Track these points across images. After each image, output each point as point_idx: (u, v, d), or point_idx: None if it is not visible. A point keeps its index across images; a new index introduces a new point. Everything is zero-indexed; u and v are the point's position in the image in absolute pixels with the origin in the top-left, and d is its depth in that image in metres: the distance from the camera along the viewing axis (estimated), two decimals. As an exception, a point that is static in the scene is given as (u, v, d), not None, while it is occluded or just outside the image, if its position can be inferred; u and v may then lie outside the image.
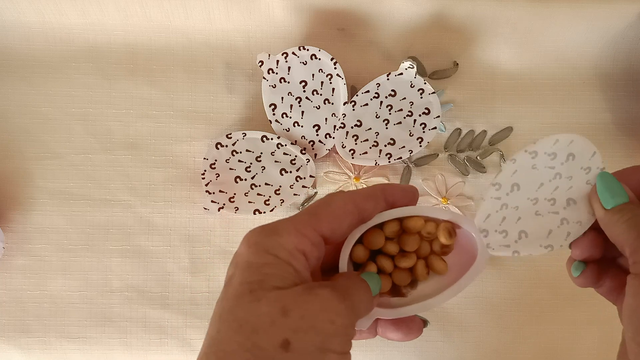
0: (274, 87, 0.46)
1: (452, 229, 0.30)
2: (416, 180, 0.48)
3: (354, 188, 0.47)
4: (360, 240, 0.30)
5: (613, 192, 0.29)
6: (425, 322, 0.31)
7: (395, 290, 0.31)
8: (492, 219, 0.30)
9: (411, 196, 0.30)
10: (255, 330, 0.23)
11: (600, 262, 0.31)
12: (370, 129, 0.46)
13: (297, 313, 0.24)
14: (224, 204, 0.45)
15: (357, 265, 0.30)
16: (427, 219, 0.30)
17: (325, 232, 0.27)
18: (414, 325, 0.30)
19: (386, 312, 0.29)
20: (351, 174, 0.47)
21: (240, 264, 0.26)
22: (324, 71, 0.46)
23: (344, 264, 0.29)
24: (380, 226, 0.30)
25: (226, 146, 0.46)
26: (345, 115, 0.46)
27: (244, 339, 0.23)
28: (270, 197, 0.45)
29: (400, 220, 0.30)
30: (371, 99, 0.46)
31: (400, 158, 0.45)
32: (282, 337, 0.23)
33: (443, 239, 0.30)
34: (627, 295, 0.27)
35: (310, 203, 0.47)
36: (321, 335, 0.24)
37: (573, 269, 0.32)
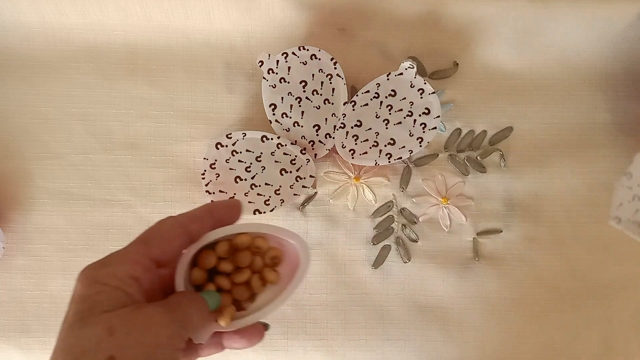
0: (274, 87, 0.46)
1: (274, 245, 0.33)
2: (416, 180, 0.48)
3: (354, 188, 0.47)
4: (196, 263, 0.32)
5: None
6: (266, 326, 0.33)
7: (238, 305, 0.33)
8: (624, 208, 0.30)
9: (235, 211, 0.32)
10: (83, 352, 0.25)
11: None
12: (370, 129, 0.46)
13: (123, 330, 0.25)
14: None
15: (198, 288, 0.32)
16: (255, 235, 0.33)
17: (157, 256, 0.29)
18: (255, 331, 0.32)
19: (235, 324, 0.31)
20: (351, 174, 0.47)
21: (74, 298, 0.27)
22: (324, 71, 0.46)
23: (179, 283, 0.30)
24: (213, 246, 0.32)
25: (226, 146, 0.46)
26: (345, 115, 0.46)
27: None
28: (270, 197, 0.45)
29: (230, 239, 0.32)
30: (371, 99, 0.46)
31: (400, 158, 0.45)
32: (108, 354, 0.24)
33: (261, 243, 0.33)
34: None
35: (308, 204, 0.47)
36: (146, 348, 0.25)
37: None
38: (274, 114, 0.46)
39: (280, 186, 0.45)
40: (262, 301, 0.33)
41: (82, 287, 0.27)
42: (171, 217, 0.30)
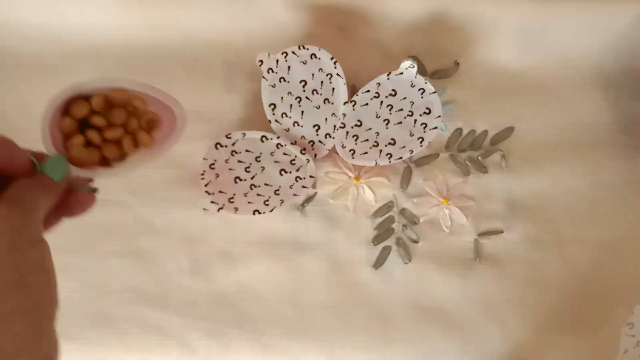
0: (273, 87, 0.46)
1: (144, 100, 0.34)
2: (417, 181, 0.47)
3: (354, 188, 0.47)
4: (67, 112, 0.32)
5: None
6: (95, 190, 0.33)
7: (107, 163, 0.34)
8: (630, 354, 0.32)
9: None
10: None
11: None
12: (370, 128, 0.46)
13: None
14: (223, 205, 0.45)
15: (68, 137, 0.32)
16: (134, 95, 0.33)
17: None
18: (87, 196, 0.32)
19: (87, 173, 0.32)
20: (351, 174, 0.47)
21: None
22: (323, 70, 0.46)
23: (47, 144, 0.30)
24: (88, 99, 0.33)
25: (226, 146, 0.46)
26: (345, 115, 0.46)
27: None
28: (269, 197, 0.45)
29: (107, 93, 0.33)
30: (371, 99, 0.46)
31: (401, 158, 0.45)
32: None
33: (139, 104, 0.34)
34: None
35: (308, 204, 0.47)
36: (6, 241, 0.25)
37: None
38: (273, 114, 0.46)
39: (279, 186, 0.45)
40: (133, 164, 0.34)
41: None
42: None
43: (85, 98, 0.33)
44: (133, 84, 0.33)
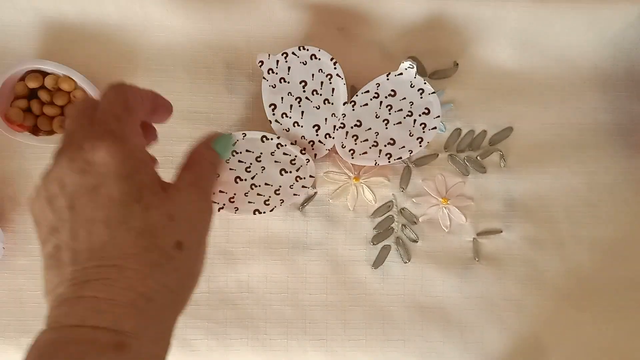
0: (273, 87, 0.46)
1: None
2: (416, 181, 0.48)
3: (353, 188, 0.47)
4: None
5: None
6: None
7: (35, 132, 0.45)
8: None
9: (168, 113, 0.36)
10: (153, 234, 0.28)
11: None
12: (370, 129, 0.46)
13: (181, 217, 0.30)
14: (224, 204, 0.45)
15: (16, 99, 0.45)
16: (79, 86, 0.44)
17: (140, 118, 0.32)
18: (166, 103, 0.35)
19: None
20: (351, 174, 0.47)
21: (108, 174, 0.28)
22: (323, 71, 0.46)
23: None
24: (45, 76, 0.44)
25: None
26: (345, 115, 0.46)
27: (147, 243, 0.28)
28: (270, 197, 0.45)
29: (59, 78, 0.44)
30: (371, 99, 0.46)
31: (400, 158, 0.45)
32: (175, 239, 0.29)
33: (80, 95, 0.45)
34: None
35: (308, 204, 0.47)
36: (200, 232, 0.31)
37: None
38: (273, 114, 0.46)
39: (280, 186, 0.45)
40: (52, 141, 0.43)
41: (117, 163, 0.28)
42: (124, 85, 0.31)
43: (43, 75, 0.44)
44: (80, 77, 0.44)
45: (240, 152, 0.46)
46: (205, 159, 0.34)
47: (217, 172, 0.35)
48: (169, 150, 0.47)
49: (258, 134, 0.46)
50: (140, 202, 0.28)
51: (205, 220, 0.32)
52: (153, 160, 0.34)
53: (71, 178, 0.28)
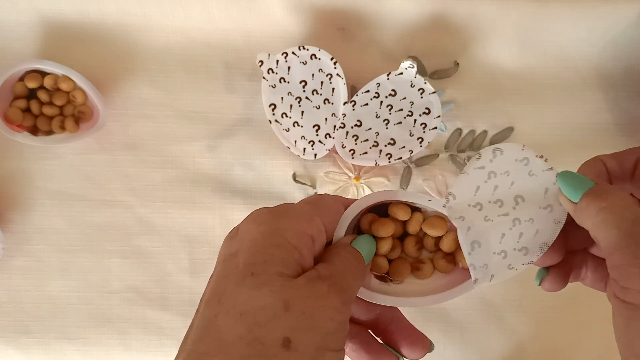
0: (273, 87, 0.46)
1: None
2: (416, 181, 0.47)
3: (353, 188, 0.47)
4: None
5: (576, 185, 0.28)
6: (431, 345, 0.30)
7: (34, 132, 0.45)
8: None
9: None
10: (257, 323, 0.23)
11: (571, 258, 0.30)
12: (370, 129, 0.46)
13: (300, 308, 0.23)
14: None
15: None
16: (78, 87, 0.44)
17: (325, 223, 0.27)
18: (422, 341, 0.29)
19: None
20: (351, 174, 0.47)
21: (245, 242, 0.25)
22: (323, 71, 0.46)
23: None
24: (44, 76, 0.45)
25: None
26: (345, 115, 0.46)
27: (246, 332, 0.23)
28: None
29: (58, 78, 0.44)
30: (371, 99, 0.46)
31: (401, 158, 0.45)
32: (283, 334, 0.23)
33: (79, 96, 0.44)
34: (616, 322, 0.25)
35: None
36: (321, 334, 0.24)
37: (536, 277, 0.30)
38: (273, 114, 0.46)
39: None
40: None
41: (258, 233, 0.25)
42: (328, 194, 0.29)
43: (43, 75, 0.44)
44: (79, 77, 0.44)
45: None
46: (351, 262, 0.28)
47: (359, 274, 0.27)
48: (169, 150, 0.47)
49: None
50: (256, 277, 0.24)
51: (333, 320, 0.24)
52: (313, 240, 0.27)
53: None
